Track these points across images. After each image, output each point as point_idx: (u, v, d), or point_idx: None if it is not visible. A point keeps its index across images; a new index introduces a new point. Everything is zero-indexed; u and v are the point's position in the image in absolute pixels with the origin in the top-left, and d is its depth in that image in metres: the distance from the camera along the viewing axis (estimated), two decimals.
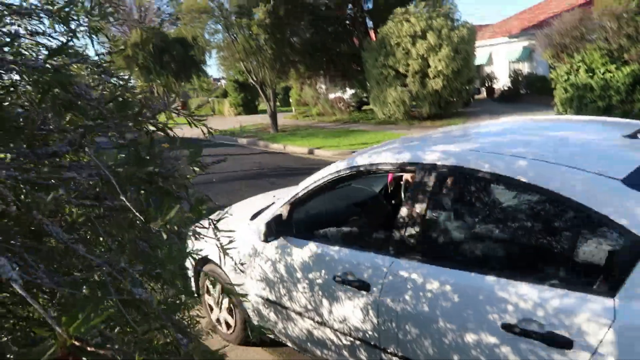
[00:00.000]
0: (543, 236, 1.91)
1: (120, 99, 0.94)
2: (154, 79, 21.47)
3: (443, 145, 2.25)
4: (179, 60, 22.83)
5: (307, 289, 2.50)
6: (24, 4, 1.68)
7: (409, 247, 2.09)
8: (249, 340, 3.23)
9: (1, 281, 1.15)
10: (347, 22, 20.10)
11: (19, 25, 1.47)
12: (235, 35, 16.76)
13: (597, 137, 2.39)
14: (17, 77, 1.30)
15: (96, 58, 1.30)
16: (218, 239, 1.32)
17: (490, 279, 1.79)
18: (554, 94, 11.91)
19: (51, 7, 1.51)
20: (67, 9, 1.22)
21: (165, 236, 0.92)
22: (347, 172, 2.51)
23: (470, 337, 1.79)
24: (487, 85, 23.10)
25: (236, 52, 16.79)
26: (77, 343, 0.48)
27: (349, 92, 23.37)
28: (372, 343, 2.19)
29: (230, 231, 1.42)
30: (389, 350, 2.12)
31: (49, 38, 1.50)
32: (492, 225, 2.10)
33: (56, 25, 1.44)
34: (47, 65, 1.06)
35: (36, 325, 0.74)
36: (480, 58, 23.25)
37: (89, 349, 0.48)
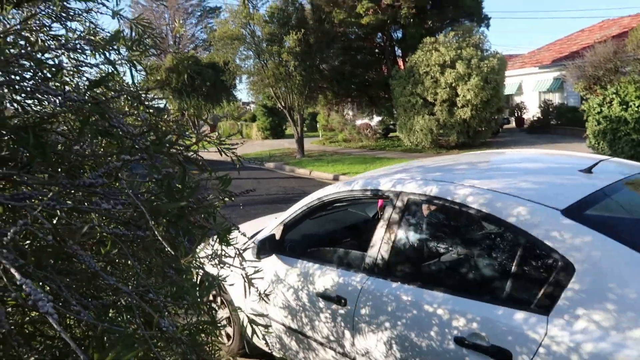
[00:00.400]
0: (492, 259, 2.09)
1: (156, 132, 0.97)
2: (185, 103, 22.04)
3: (406, 174, 2.52)
4: (210, 84, 23.42)
5: (293, 302, 2.71)
6: (70, 36, 1.77)
7: (378, 267, 2.32)
8: (246, 351, 3.38)
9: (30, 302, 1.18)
10: (377, 50, 20.32)
11: (62, 54, 1.54)
12: (265, 62, 17.11)
13: (555, 171, 2.63)
14: (58, 106, 1.36)
15: (133, 87, 1.36)
16: (243, 268, 1.32)
17: (447, 296, 1.98)
18: (585, 126, 11.68)
19: (94, 38, 1.58)
20: (108, 44, 1.27)
21: (194, 272, 0.93)
22: (332, 197, 2.78)
23: (429, 349, 1.98)
24: (516, 115, 22.87)
25: (266, 77, 17.11)
26: None
27: (376, 119, 23.45)
28: (343, 352, 2.43)
29: (256, 260, 1.47)
30: (351, 352, 2.36)
31: (90, 67, 1.57)
32: (448, 247, 2.28)
33: (97, 55, 1.51)
34: (87, 96, 1.11)
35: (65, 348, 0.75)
36: (509, 88, 23.10)
37: None
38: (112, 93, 1.08)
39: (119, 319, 1.31)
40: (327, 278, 2.54)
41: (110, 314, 1.28)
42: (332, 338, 2.46)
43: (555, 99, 22.05)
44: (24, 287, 0.54)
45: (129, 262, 1.43)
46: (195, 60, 24.07)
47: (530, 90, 23.49)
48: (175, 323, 1.61)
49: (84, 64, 1.50)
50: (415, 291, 2.10)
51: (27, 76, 1.06)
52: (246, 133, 32.61)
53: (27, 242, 1.11)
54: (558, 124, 19.48)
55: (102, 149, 1.30)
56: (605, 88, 12.04)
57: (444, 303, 1.97)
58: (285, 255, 2.89)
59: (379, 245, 2.35)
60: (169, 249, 0.80)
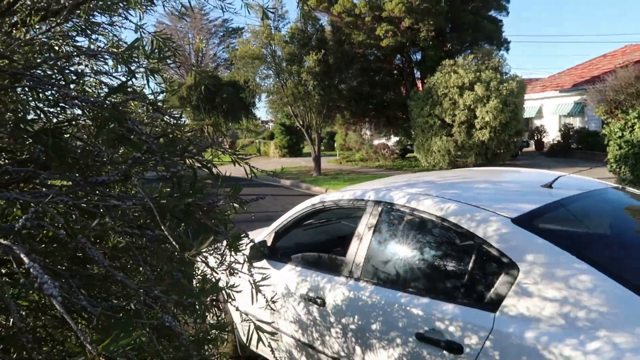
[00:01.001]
0: (450, 261, 2.28)
1: (170, 136, 1.00)
2: (203, 119, 22.32)
3: (380, 186, 2.81)
4: (229, 102, 23.76)
5: (281, 302, 2.91)
6: (92, 46, 1.84)
7: (354, 271, 2.55)
8: (239, 353, 3.54)
9: (42, 305, 1.21)
10: (395, 71, 20.44)
11: (85, 65, 1.60)
12: (285, 81, 17.34)
13: (519, 185, 2.94)
14: (79, 111, 1.41)
15: (152, 97, 1.40)
16: (252, 275, 1.34)
17: (411, 297, 2.20)
18: (607, 150, 11.51)
19: (116, 50, 1.64)
20: (128, 52, 1.32)
21: (198, 266, 0.95)
22: (319, 206, 3.05)
23: (394, 343, 2.19)
24: (536, 138, 22.66)
25: (285, 96, 17.32)
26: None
27: (393, 139, 23.46)
28: (319, 348, 2.66)
29: (265, 268, 1.52)
30: (332, 353, 2.58)
31: (111, 77, 1.63)
32: (412, 251, 2.46)
33: (118, 66, 1.57)
34: (107, 102, 1.15)
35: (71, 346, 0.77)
36: (529, 111, 22.94)
37: None
38: (129, 97, 1.12)
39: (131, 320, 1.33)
40: (310, 281, 2.79)
41: (120, 317, 1.30)
42: (315, 336, 2.71)
43: (576, 123, 21.82)
44: (31, 270, 0.56)
45: (141, 268, 1.45)
46: (216, 77, 24.49)
47: (550, 114, 23.31)
48: (185, 331, 1.62)
49: (105, 74, 1.56)
50: (384, 292, 2.33)
51: (50, 83, 1.11)
52: (264, 150, 32.89)
53: (42, 240, 1.15)
54: (578, 148, 19.23)
55: (120, 157, 1.34)
56: (626, 112, 11.89)
57: (408, 302, 2.18)
58: (275, 261, 3.14)
59: (355, 251, 2.59)
60: (174, 243, 0.82)
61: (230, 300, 1.51)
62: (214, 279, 1.54)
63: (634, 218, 2.72)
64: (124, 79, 1.69)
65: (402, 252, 2.49)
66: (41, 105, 1.28)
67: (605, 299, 1.65)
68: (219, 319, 3.66)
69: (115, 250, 1.36)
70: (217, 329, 1.37)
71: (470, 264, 2.08)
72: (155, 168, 0.99)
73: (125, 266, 1.50)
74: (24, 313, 1.36)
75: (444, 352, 1.95)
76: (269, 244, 3.25)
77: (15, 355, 0.84)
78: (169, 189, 0.92)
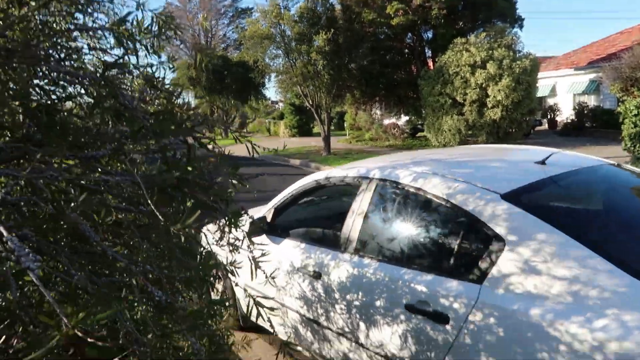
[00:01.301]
0: (440, 235, 2.33)
1: (166, 113, 0.99)
2: (204, 96, 22.26)
3: (376, 163, 2.84)
4: (239, 83, 23.68)
5: (279, 276, 2.94)
6: (88, 20, 1.81)
7: (349, 245, 2.62)
8: (241, 324, 3.69)
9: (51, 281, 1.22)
10: (406, 50, 20.15)
11: (87, 43, 1.59)
12: (294, 60, 17.20)
13: (514, 162, 2.97)
14: (76, 89, 1.41)
15: (148, 73, 1.39)
16: (251, 251, 1.34)
17: (401, 269, 2.27)
18: (621, 129, 11.31)
19: (117, 28, 1.63)
20: (124, 27, 1.31)
21: (183, 239, 0.95)
22: (313, 184, 3.14)
23: (384, 313, 2.28)
24: (549, 117, 22.32)
25: (294, 76, 17.19)
26: (79, 333, 0.50)
27: (404, 118, 23.27)
28: (315, 318, 2.76)
29: (264, 244, 1.54)
30: (328, 324, 2.66)
31: (113, 56, 1.61)
32: (405, 226, 2.50)
33: (120, 44, 1.55)
34: (102, 78, 1.15)
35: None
36: (543, 90, 22.55)
37: (90, 340, 0.51)
38: (120, 71, 1.11)
39: (130, 298, 1.35)
40: (307, 255, 2.87)
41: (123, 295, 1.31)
42: (311, 307, 2.81)
43: (591, 101, 21.44)
44: (8, 243, 0.56)
45: (145, 245, 1.46)
46: (225, 58, 24.37)
47: (564, 92, 22.90)
48: (188, 306, 1.64)
49: (104, 52, 1.55)
50: (377, 265, 2.40)
51: (44, 59, 1.11)
52: (274, 131, 32.86)
53: (42, 217, 1.16)
54: (593, 126, 18.93)
55: (117, 134, 1.33)
56: None
57: (399, 275, 2.25)
58: (274, 236, 3.22)
59: (351, 226, 2.66)
60: (160, 216, 0.82)
61: (230, 276, 1.52)
62: (216, 256, 1.55)
63: (626, 194, 2.71)
64: (127, 57, 1.68)
65: (395, 226, 2.55)
66: (38, 82, 1.27)
67: (586, 272, 1.72)
68: (222, 294, 3.75)
69: (116, 226, 1.37)
70: (217, 304, 1.38)
71: (459, 238, 2.16)
72: (147, 143, 0.99)
73: (128, 243, 1.51)
74: (31, 288, 1.38)
75: (432, 322, 2.05)
76: (268, 219, 3.36)
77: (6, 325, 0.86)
78: (154, 154, 0.93)
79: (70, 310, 0.53)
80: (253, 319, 1.56)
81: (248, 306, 1.42)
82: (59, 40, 1.28)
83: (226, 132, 1.55)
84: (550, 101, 23.42)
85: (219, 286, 3.67)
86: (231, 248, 1.37)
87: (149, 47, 1.55)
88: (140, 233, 1.28)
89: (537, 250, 1.83)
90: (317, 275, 2.72)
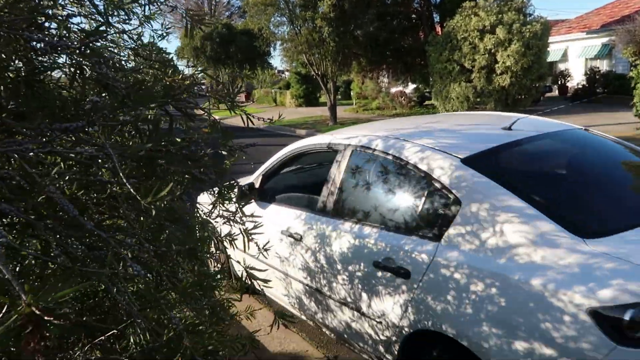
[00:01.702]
0: (405, 197, 2.47)
1: (142, 82, 0.96)
2: (196, 65, 22.00)
3: (353, 132, 3.02)
4: (244, 52, 23.35)
5: (264, 239, 3.16)
6: None
7: (325, 207, 2.84)
8: (235, 287, 3.78)
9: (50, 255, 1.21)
10: (413, 16, 19.67)
11: (78, 13, 1.54)
12: (299, 28, 16.88)
13: (482, 128, 3.05)
14: (64, 58, 1.37)
15: (132, 42, 1.35)
16: (243, 223, 1.33)
17: (371, 229, 2.47)
18: (633, 94, 11.05)
19: None
20: None
21: (154, 213, 0.93)
22: (298, 151, 3.33)
23: (355, 270, 2.50)
24: (560, 83, 21.87)
25: (299, 44, 16.90)
26: (37, 312, 0.49)
27: (411, 86, 22.92)
28: (297, 276, 3.02)
29: (257, 217, 1.55)
30: (309, 282, 2.91)
31: (97, 22, 1.56)
32: (375, 189, 2.66)
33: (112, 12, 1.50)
34: (82, 47, 1.11)
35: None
36: (553, 54, 22.03)
37: (49, 318, 0.49)
38: (100, 37, 1.07)
39: (124, 271, 1.34)
40: (290, 218, 3.06)
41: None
42: (292, 266, 3.05)
43: (603, 66, 20.93)
44: None
45: (141, 218, 1.45)
46: (229, 27, 23.98)
47: (575, 57, 22.36)
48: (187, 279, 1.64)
49: (89, 17, 1.50)
50: (350, 226, 2.61)
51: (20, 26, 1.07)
52: (280, 100, 32.58)
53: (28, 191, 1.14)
54: (604, 92, 18.54)
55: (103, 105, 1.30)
56: None
57: (368, 234, 2.47)
58: (262, 201, 3.44)
59: (328, 190, 2.85)
60: (132, 190, 0.80)
61: (223, 247, 1.51)
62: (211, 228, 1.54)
63: (582, 157, 2.84)
64: (112, 25, 1.63)
65: (366, 190, 2.72)
66: (17, 50, 1.23)
67: (532, 230, 1.87)
68: (222, 265, 3.78)
69: (112, 200, 1.36)
70: (213, 275, 1.38)
71: (422, 199, 2.32)
72: (126, 114, 0.96)
73: (125, 216, 1.50)
74: (26, 262, 1.38)
75: (396, 277, 2.26)
76: (257, 186, 3.57)
77: None
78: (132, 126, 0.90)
79: (27, 287, 0.52)
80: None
81: (241, 278, 1.42)
82: (41, 2, 1.23)
83: (233, 104, 1.50)
84: (562, 66, 22.90)
85: (223, 256, 3.74)
86: (224, 221, 1.36)
87: (136, 15, 1.50)
88: (134, 206, 1.27)
89: (489, 210, 2.00)
90: (299, 238, 2.94)
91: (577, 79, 20.76)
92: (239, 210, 1.36)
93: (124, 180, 0.77)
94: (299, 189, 3.54)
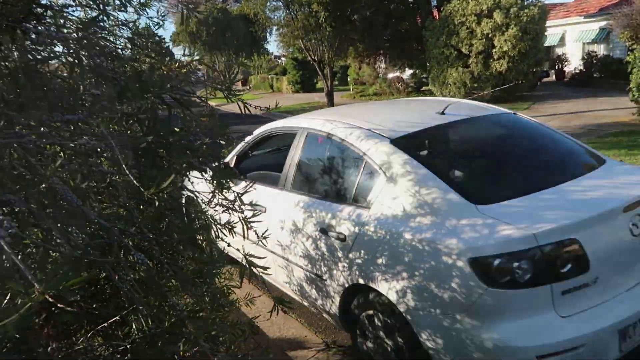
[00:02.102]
0: (346, 173, 2.85)
1: (141, 73, 0.96)
2: (192, 56, 21.79)
3: (311, 116, 3.38)
4: (240, 37, 23.15)
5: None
6: None
7: (286, 183, 3.21)
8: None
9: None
10: (411, 0, 19.51)
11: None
12: (295, 13, 16.73)
13: (419, 112, 3.40)
14: (59, 49, 1.36)
15: (129, 32, 1.35)
16: (242, 212, 1.35)
17: (320, 200, 2.88)
18: (630, 79, 11.05)
19: None
20: None
21: (157, 203, 0.94)
22: (266, 133, 3.67)
23: (307, 236, 2.88)
24: (557, 67, 21.80)
25: (295, 29, 16.77)
26: (50, 299, 0.51)
27: (408, 72, 22.82)
28: (264, 246, 3.08)
29: (258, 205, 1.60)
30: (273, 250, 3.22)
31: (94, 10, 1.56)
32: (323, 166, 3.05)
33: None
34: (80, 37, 1.11)
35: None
36: (551, 39, 21.93)
37: (62, 305, 0.51)
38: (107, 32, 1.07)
39: (127, 258, 1.36)
40: (258, 194, 3.27)
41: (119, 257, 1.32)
42: (260, 236, 3.36)
43: (600, 50, 20.85)
44: None
45: (141, 206, 1.46)
46: (225, 11, 23.74)
47: (573, 41, 22.26)
48: (187, 265, 1.66)
49: (84, 7, 1.49)
50: (303, 198, 2.99)
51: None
52: (277, 86, 32.40)
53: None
54: (601, 76, 18.50)
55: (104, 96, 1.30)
56: None
57: (317, 205, 2.85)
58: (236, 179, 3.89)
59: (288, 168, 3.23)
60: (134, 181, 0.81)
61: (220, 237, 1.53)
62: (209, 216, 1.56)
63: (498, 139, 3.25)
64: (107, 14, 1.62)
65: (316, 166, 3.13)
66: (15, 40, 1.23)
67: (441, 199, 2.30)
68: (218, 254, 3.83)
69: (113, 189, 1.37)
70: (212, 263, 1.40)
71: (359, 174, 2.69)
72: (125, 105, 0.96)
73: (124, 205, 1.51)
74: (27, 251, 1.39)
75: (336, 240, 2.64)
76: (232, 165, 3.85)
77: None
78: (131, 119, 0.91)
79: (39, 275, 0.53)
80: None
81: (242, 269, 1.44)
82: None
83: (229, 91, 1.51)
84: (559, 51, 22.81)
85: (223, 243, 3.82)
86: (223, 209, 1.37)
87: (130, 2, 1.49)
88: (134, 196, 1.28)
89: (407, 182, 2.41)
90: (264, 210, 3.21)
91: (574, 63, 20.70)
92: (237, 198, 1.38)
93: (127, 171, 0.79)
94: (267, 167, 3.79)
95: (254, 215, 1.43)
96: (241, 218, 1.39)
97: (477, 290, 2.04)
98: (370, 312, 2.58)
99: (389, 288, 2.35)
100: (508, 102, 14.84)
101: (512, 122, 3.30)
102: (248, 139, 3.78)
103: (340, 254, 2.64)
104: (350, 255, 2.56)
